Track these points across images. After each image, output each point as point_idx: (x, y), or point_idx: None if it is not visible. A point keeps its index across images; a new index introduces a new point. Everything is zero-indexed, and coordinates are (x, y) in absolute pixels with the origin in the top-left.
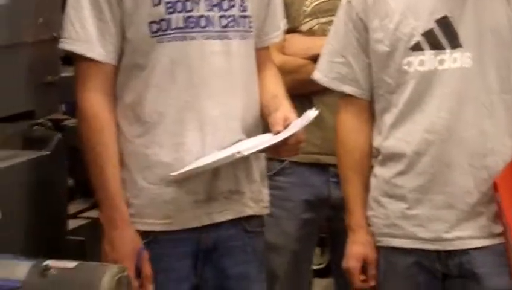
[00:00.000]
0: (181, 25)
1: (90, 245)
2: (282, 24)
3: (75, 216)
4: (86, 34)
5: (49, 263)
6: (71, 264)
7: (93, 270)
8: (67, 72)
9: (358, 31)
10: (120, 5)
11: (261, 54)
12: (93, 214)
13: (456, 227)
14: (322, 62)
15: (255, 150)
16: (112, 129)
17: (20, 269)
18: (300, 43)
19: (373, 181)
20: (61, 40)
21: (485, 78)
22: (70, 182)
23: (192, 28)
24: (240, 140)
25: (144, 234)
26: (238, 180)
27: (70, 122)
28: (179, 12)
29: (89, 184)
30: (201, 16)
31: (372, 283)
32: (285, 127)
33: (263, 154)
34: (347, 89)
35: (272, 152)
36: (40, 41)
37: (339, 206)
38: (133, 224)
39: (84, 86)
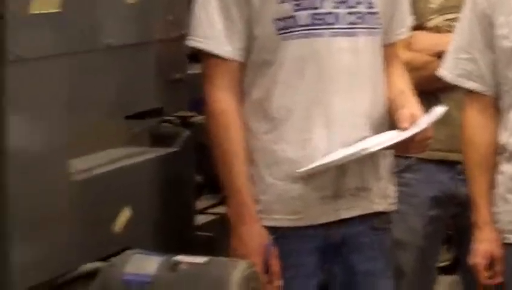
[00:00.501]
0: (308, 22)
1: (218, 241)
2: (409, 20)
3: (203, 212)
4: (213, 31)
5: (179, 258)
6: (201, 259)
7: (222, 265)
8: (193, 70)
9: (484, 27)
10: (247, 2)
11: (388, 51)
12: (221, 209)
13: None
14: (448, 59)
15: (381, 146)
16: (240, 125)
17: (151, 264)
18: (426, 40)
19: (499, 178)
20: (189, 37)
21: None
22: (198, 178)
23: (319, 25)
24: (366, 137)
25: (272, 230)
26: (365, 177)
27: (198, 119)
28: (306, 9)
29: (217, 180)
30: (328, 13)
31: (498, 280)
32: (412, 123)
33: (390, 151)
34: (472, 85)
35: (399, 149)
36: (169, 39)
37: (465, 204)
38: (260, 220)
39: (212, 83)
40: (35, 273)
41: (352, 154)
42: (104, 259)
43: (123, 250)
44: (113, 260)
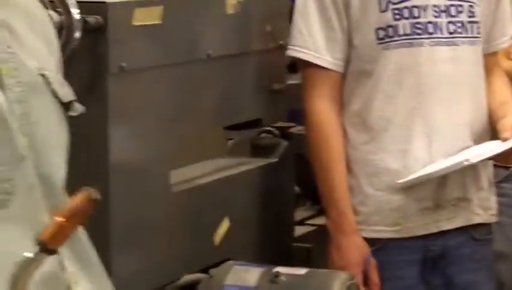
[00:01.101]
0: (408, 31)
1: (316, 252)
2: (510, 29)
3: (301, 223)
4: (313, 41)
5: (279, 269)
6: (301, 271)
7: (322, 277)
8: (292, 80)
9: None
10: (347, 12)
11: (489, 60)
12: (319, 221)
13: None
14: None
15: (483, 157)
16: (339, 136)
17: (251, 275)
18: None
19: None
20: (289, 47)
21: None
22: (296, 189)
23: (420, 34)
24: (467, 147)
25: (371, 241)
26: (466, 188)
27: (297, 129)
28: (406, 18)
29: (315, 191)
30: (429, 22)
31: None
32: None
33: (491, 161)
34: None
35: (500, 159)
36: (268, 50)
37: None
38: (359, 231)
39: (312, 93)
40: (136, 284)
41: (453, 165)
42: (203, 270)
43: (222, 261)
44: (213, 271)
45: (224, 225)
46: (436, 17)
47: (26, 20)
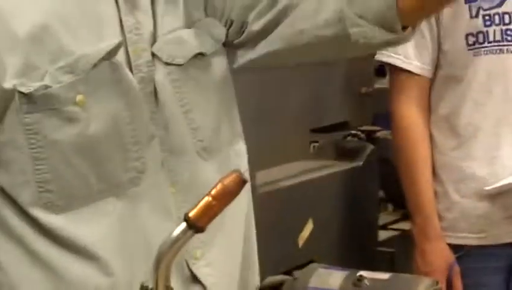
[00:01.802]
0: (498, 38)
1: (399, 257)
2: None
3: (385, 227)
4: (403, 46)
5: (363, 273)
6: (384, 275)
7: (406, 282)
8: (378, 84)
9: None
10: (437, 17)
11: None
12: (403, 225)
13: None
14: None
15: None
16: (427, 141)
17: (335, 278)
18: None
19: None
20: (379, 52)
21: None
22: (380, 193)
23: (510, 41)
24: None
25: (456, 248)
26: None
27: (382, 133)
28: (497, 25)
29: (399, 195)
30: None
31: None
32: None
33: None
34: None
35: None
36: None
37: None
38: (444, 237)
39: (400, 98)
40: None
41: None
42: (287, 272)
43: (306, 263)
44: (297, 273)
45: (308, 228)
46: None
47: None
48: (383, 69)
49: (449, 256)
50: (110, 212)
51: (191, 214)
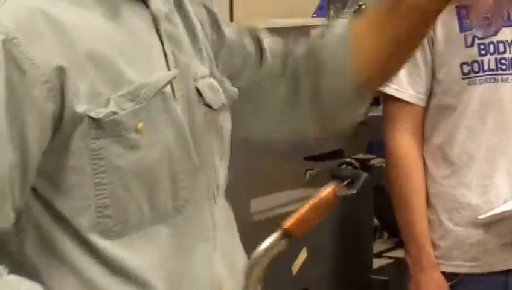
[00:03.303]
0: (493, 66)
1: (394, 285)
2: None
3: (379, 255)
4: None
5: None
6: None
7: None
8: (373, 112)
9: None
10: (432, 47)
11: None
12: (397, 253)
13: None
14: None
15: None
16: (421, 171)
17: None
18: None
19: None
20: None
21: None
22: (375, 221)
23: (504, 70)
24: None
25: (450, 276)
26: None
27: (376, 161)
28: (492, 54)
29: (393, 223)
30: None
31: None
32: None
33: None
34: None
35: None
36: None
37: None
38: (438, 266)
39: (394, 126)
40: None
41: None
42: None
43: None
44: None
45: (302, 255)
46: None
47: None
48: (377, 97)
49: (443, 285)
50: (159, 239)
51: (287, 225)
